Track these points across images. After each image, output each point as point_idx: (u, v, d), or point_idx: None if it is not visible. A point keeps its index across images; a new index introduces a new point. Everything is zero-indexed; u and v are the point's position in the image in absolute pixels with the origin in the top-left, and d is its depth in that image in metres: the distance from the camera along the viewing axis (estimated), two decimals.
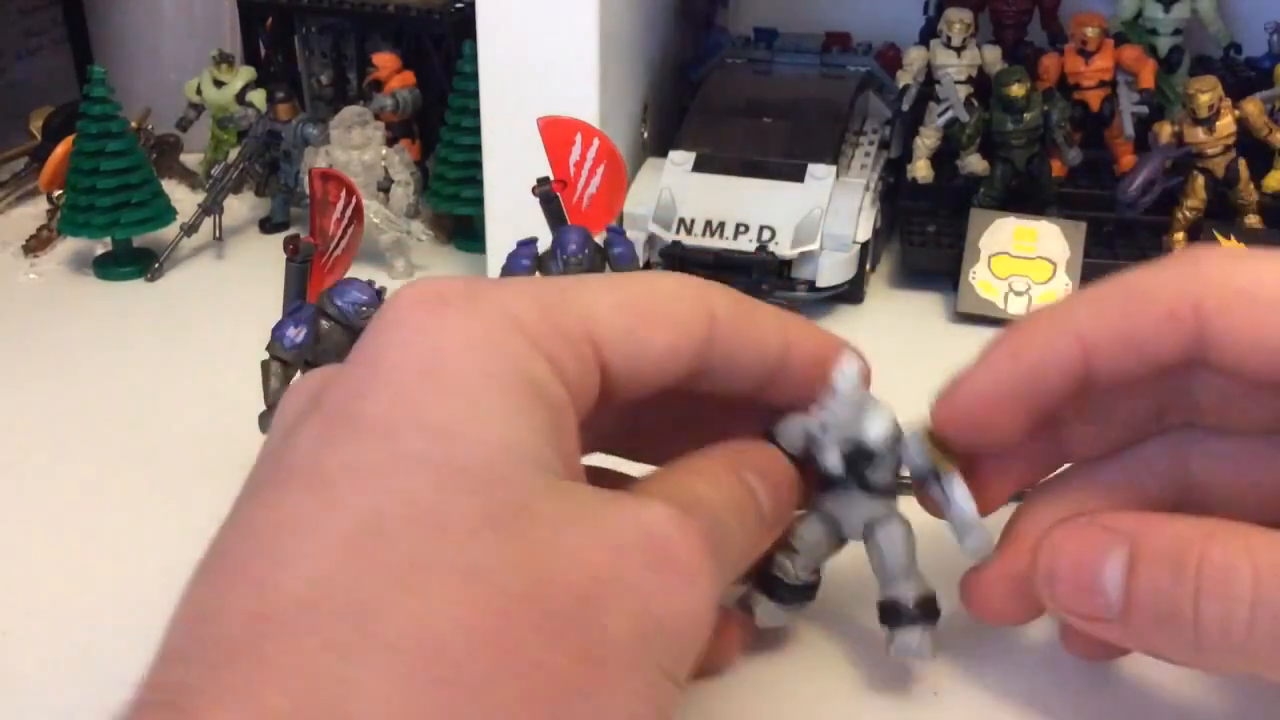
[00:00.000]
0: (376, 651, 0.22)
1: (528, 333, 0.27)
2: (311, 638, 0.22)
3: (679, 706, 0.26)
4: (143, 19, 0.86)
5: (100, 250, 0.68)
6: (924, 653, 0.34)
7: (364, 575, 0.23)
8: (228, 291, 0.65)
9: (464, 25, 0.66)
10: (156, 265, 0.66)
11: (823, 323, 0.60)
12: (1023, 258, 0.61)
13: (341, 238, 0.49)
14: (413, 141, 0.73)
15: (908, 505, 0.35)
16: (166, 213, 0.68)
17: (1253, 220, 0.62)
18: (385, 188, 0.67)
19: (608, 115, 0.58)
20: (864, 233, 0.60)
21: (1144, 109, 0.66)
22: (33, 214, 0.74)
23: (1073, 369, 0.31)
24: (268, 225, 0.73)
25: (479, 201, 0.63)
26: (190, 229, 0.68)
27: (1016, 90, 0.62)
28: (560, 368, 0.27)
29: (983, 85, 0.67)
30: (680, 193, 0.61)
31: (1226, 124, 0.60)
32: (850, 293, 0.61)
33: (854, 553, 0.35)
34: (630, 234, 0.55)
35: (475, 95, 0.60)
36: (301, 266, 0.46)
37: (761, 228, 0.59)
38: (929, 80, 0.67)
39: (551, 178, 0.50)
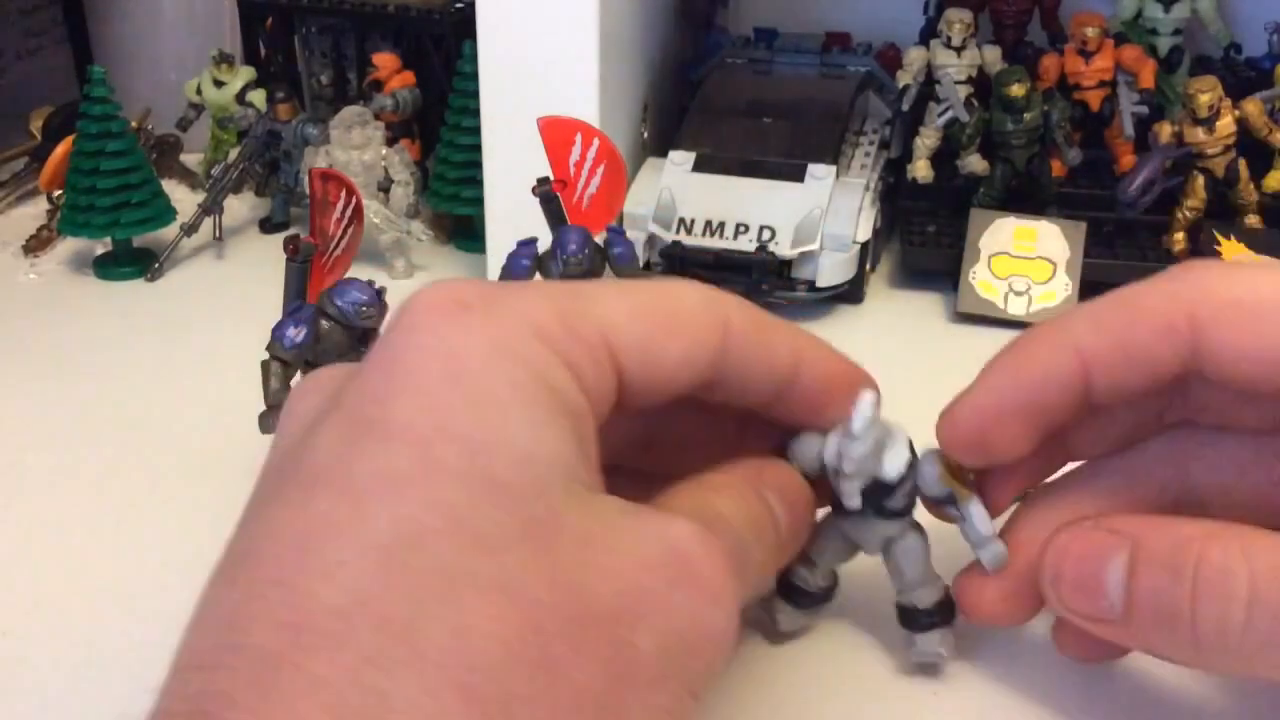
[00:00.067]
0: (415, 665, 0.22)
1: (547, 339, 0.27)
2: (349, 650, 0.22)
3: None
4: (143, 19, 0.85)
5: (100, 250, 0.68)
6: (945, 655, 0.35)
7: (401, 587, 0.23)
8: (228, 291, 0.65)
9: (464, 25, 0.66)
10: (156, 265, 0.66)
11: (823, 322, 0.61)
12: (1023, 258, 0.61)
13: (341, 238, 0.49)
14: (413, 141, 0.73)
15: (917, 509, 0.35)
16: (166, 213, 0.68)
17: (1253, 220, 0.62)
18: (385, 188, 0.67)
19: (608, 115, 0.58)
20: (864, 233, 0.60)
21: (1144, 109, 0.66)
22: (33, 214, 0.74)
23: (1072, 384, 0.31)
24: (268, 225, 0.73)
25: (479, 201, 0.63)
26: (190, 229, 0.68)
27: (1016, 90, 0.62)
28: (580, 375, 0.27)
29: (983, 85, 0.67)
30: (680, 193, 0.61)
31: (1226, 124, 0.60)
32: (850, 293, 0.61)
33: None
34: (630, 234, 0.55)
35: (475, 95, 0.60)
36: (301, 266, 0.46)
37: (761, 228, 0.59)
38: (929, 80, 0.67)
39: (551, 178, 0.50)
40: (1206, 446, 0.33)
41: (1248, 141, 0.61)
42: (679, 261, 0.59)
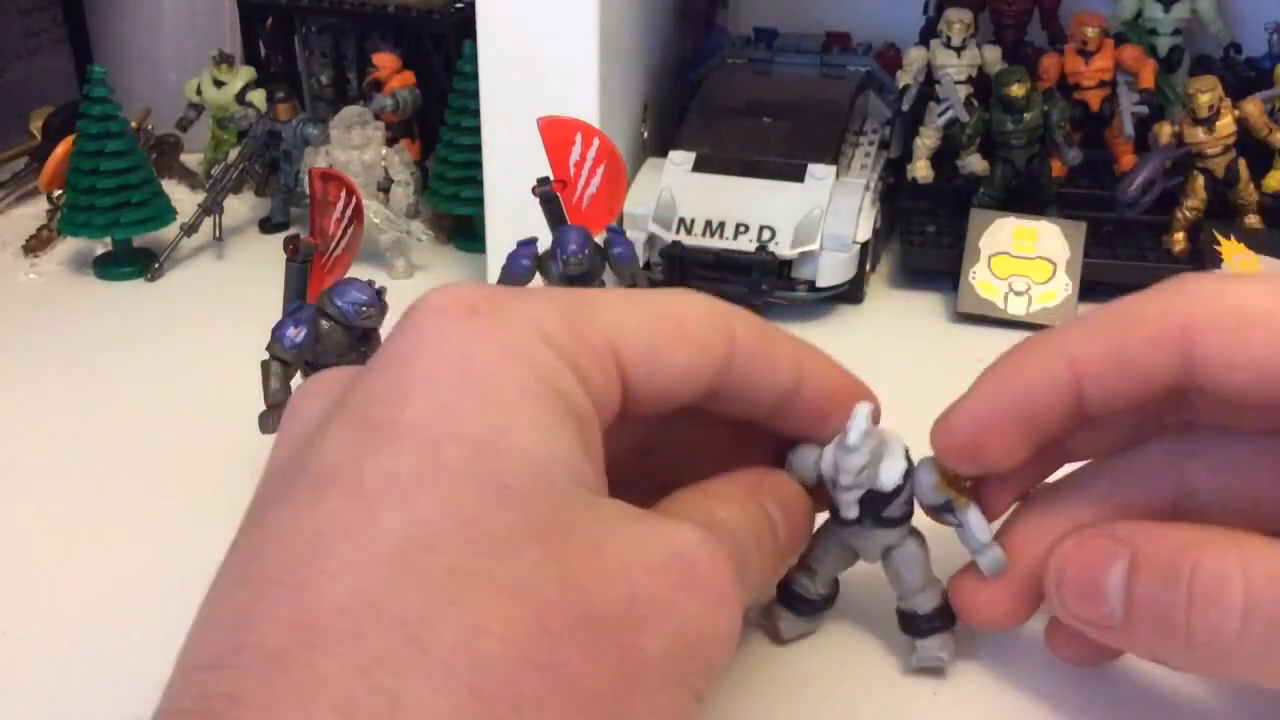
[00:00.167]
0: (425, 666, 0.22)
1: (555, 345, 0.27)
2: (360, 651, 0.22)
3: None
4: (143, 19, 0.86)
5: (100, 250, 0.68)
6: (947, 659, 0.35)
7: (411, 588, 0.23)
8: (228, 291, 0.65)
9: (464, 25, 0.66)
10: (156, 265, 0.67)
11: (823, 322, 0.61)
12: (1023, 258, 0.61)
13: (341, 238, 0.49)
14: (413, 141, 0.73)
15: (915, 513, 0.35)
16: (166, 213, 0.68)
17: (1253, 220, 0.62)
18: (385, 188, 0.67)
19: (608, 115, 0.58)
20: (864, 233, 0.60)
21: (1144, 109, 0.66)
22: (33, 214, 0.74)
23: (1065, 393, 0.31)
24: (268, 225, 0.73)
25: (479, 201, 0.63)
26: (190, 229, 0.68)
27: (1016, 90, 0.62)
28: (586, 380, 0.28)
29: (983, 85, 0.67)
30: (680, 193, 0.61)
31: (1226, 124, 0.60)
32: (850, 293, 0.61)
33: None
34: (630, 234, 0.55)
35: (475, 95, 0.60)
36: (301, 266, 0.46)
37: (761, 228, 0.59)
38: (929, 80, 0.67)
39: (551, 178, 0.50)
40: (1206, 449, 0.33)
41: (1248, 141, 0.61)
42: (679, 261, 0.59)
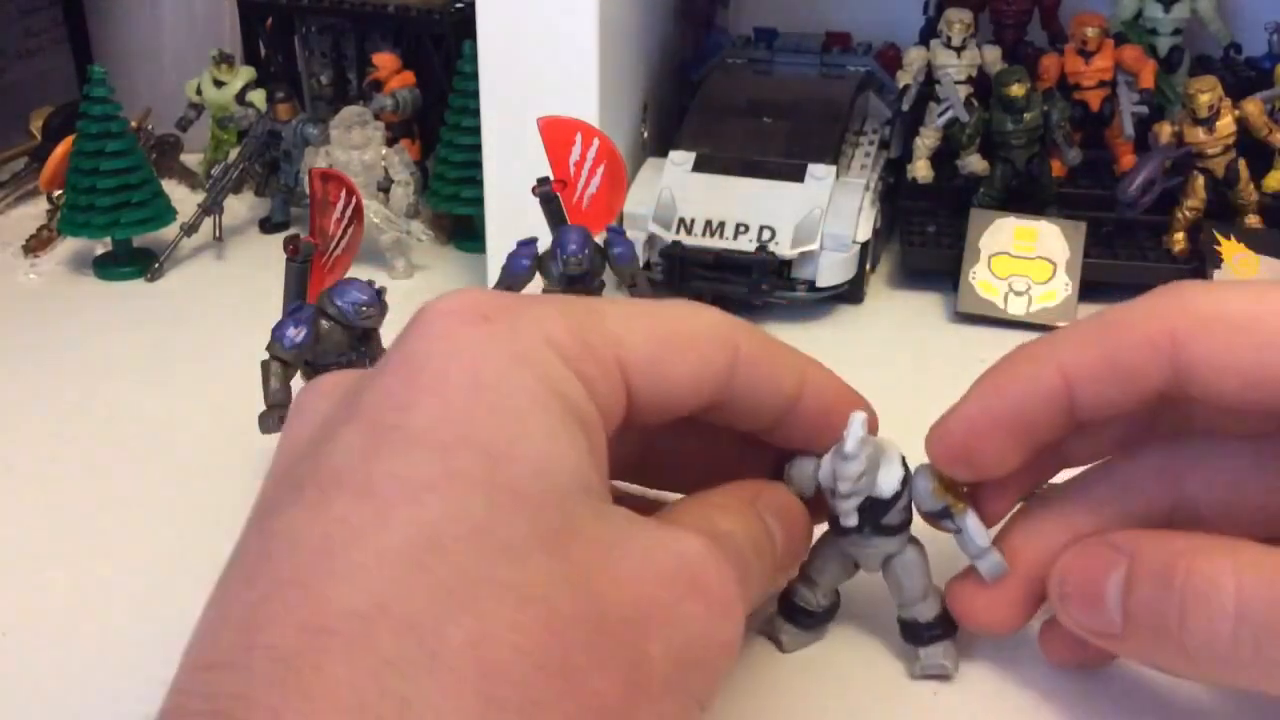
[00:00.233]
0: (435, 670, 0.22)
1: (563, 353, 0.27)
2: (370, 654, 0.22)
3: None
4: (143, 19, 0.86)
5: (100, 250, 0.68)
6: (951, 665, 0.35)
7: (421, 592, 0.23)
8: (228, 291, 0.65)
9: (464, 25, 0.66)
10: (156, 265, 0.67)
11: (823, 322, 0.61)
12: (1023, 258, 0.61)
13: (341, 238, 0.49)
14: (413, 141, 0.73)
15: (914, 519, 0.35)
16: (166, 213, 0.68)
17: (1253, 220, 0.62)
18: (385, 188, 0.67)
19: (608, 115, 0.58)
20: (864, 233, 0.60)
21: (1144, 109, 0.66)
22: (33, 214, 0.74)
23: (1056, 399, 0.31)
24: (268, 225, 0.73)
25: (479, 201, 0.63)
26: (190, 229, 0.68)
27: (1016, 90, 0.62)
28: (592, 388, 0.28)
29: (983, 85, 0.67)
30: (680, 193, 0.61)
31: (1226, 124, 0.60)
32: (850, 293, 0.61)
33: None
34: (630, 234, 0.55)
35: (475, 95, 0.60)
36: (301, 266, 0.46)
37: (761, 228, 0.59)
38: (929, 80, 0.67)
39: (551, 178, 0.50)
40: (1201, 455, 0.33)
41: (1248, 141, 0.61)
42: (679, 261, 0.59)
